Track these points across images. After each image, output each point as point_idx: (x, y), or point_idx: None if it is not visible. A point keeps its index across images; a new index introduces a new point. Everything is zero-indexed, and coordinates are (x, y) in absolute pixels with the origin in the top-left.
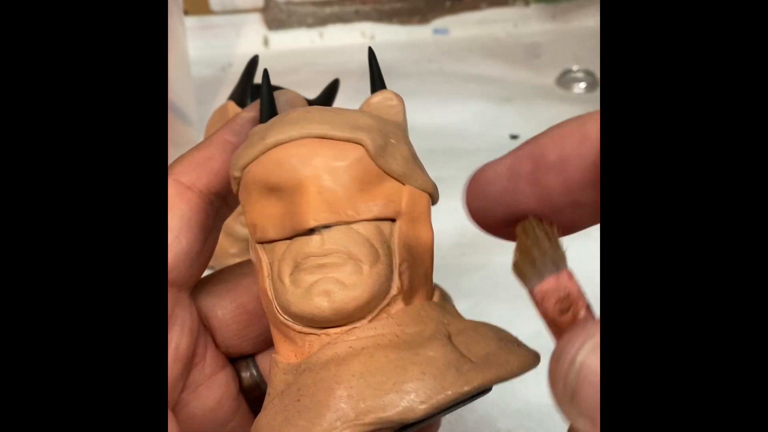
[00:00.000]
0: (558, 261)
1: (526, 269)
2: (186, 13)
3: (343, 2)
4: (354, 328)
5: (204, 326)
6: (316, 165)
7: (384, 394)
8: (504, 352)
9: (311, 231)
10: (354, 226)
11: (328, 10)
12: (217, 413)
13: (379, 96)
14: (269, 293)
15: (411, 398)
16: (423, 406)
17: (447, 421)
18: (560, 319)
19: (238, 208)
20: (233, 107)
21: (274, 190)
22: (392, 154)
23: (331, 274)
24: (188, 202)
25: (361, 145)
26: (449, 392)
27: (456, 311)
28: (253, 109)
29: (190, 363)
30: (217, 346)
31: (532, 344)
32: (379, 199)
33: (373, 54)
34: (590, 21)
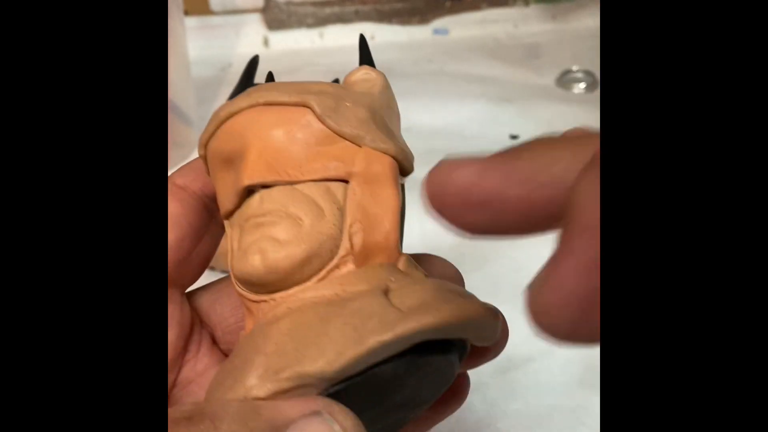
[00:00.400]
0: None
1: None
2: (186, 13)
3: (343, 2)
4: (304, 288)
5: (203, 323)
6: (260, 128)
7: (304, 348)
8: (438, 302)
9: (252, 193)
10: (298, 186)
11: (328, 10)
12: None
13: (358, 72)
14: (229, 261)
15: (329, 352)
16: (339, 360)
17: (447, 421)
18: None
19: None
20: None
21: (227, 161)
22: (344, 116)
23: (267, 232)
24: (180, 201)
25: (308, 107)
26: (368, 343)
27: (418, 275)
28: None
29: (179, 358)
30: (216, 342)
31: (533, 344)
32: (327, 160)
33: (364, 39)
34: (590, 21)
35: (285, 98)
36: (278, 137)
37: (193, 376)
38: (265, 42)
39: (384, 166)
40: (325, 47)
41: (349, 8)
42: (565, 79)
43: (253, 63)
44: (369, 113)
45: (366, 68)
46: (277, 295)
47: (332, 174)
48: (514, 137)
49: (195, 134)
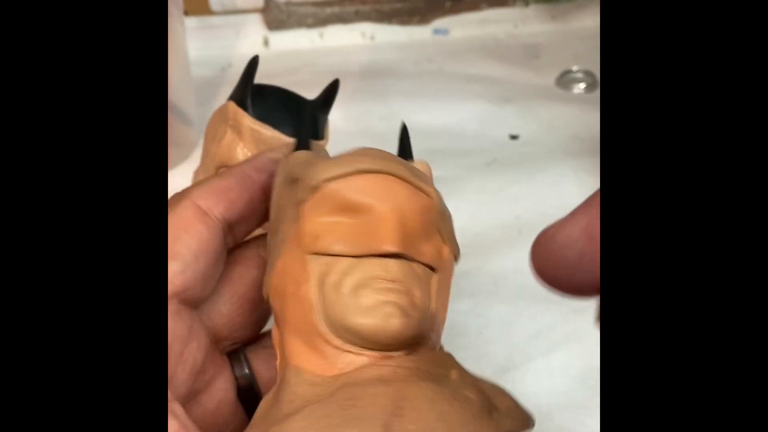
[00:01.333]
0: None
1: None
2: (186, 13)
3: (343, 3)
4: (390, 356)
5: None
6: (399, 200)
7: (430, 422)
8: (520, 410)
9: (382, 256)
10: (414, 265)
11: (328, 10)
12: (216, 418)
13: (419, 165)
14: (314, 303)
15: (445, 429)
16: None
17: None
18: None
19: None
20: (233, 107)
21: (350, 209)
22: (446, 219)
23: (398, 300)
24: (206, 225)
25: (430, 198)
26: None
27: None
28: (279, 151)
29: (200, 375)
30: (217, 338)
31: (533, 344)
32: (431, 249)
33: (406, 130)
34: (590, 21)
35: (415, 181)
36: (411, 216)
37: (202, 386)
38: (265, 42)
39: (452, 269)
40: (325, 47)
41: (349, 8)
42: (565, 80)
43: (254, 63)
44: (452, 223)
45: (424, 164)
46: (368, 353)
47: (433, 263)
48: (514, 137)
49: (195, 134)
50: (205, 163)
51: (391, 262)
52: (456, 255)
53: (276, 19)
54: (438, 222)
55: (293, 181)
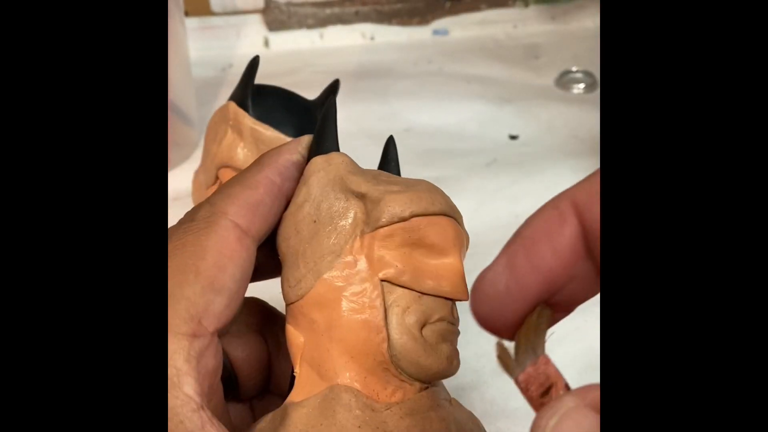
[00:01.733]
0: (537, 348)
1: (507, 360)
2: (187, 14)
3: (343, 3)
4: (429, 387)
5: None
6: (461, 246)
7: None
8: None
9: (447, 298)
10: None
11: (328, 11)
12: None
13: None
14: (381, 330)
15: None
16: None
17: None
18: (543, 401)
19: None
20: (234, 108)
21: (423, 246)
22: None
23: (455, 344)
24: (247, 251)
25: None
26: None
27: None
28: (295, 151)
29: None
30: None
31: None
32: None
33: (391, 143)
34: (589, 22)
35: (464, 227)
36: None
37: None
38: (266, 43)
39: None
40: (325, 48)
41: (350, 9)
42: (564, 80)
43: (254, 64)
44: None
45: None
46: (416, 383)
47: None
48: (513, 137)
49: (195, 134)
50: (206, 163)
51: (452, 305)
52: None
53: (276, 19)
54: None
55: (356, 195)
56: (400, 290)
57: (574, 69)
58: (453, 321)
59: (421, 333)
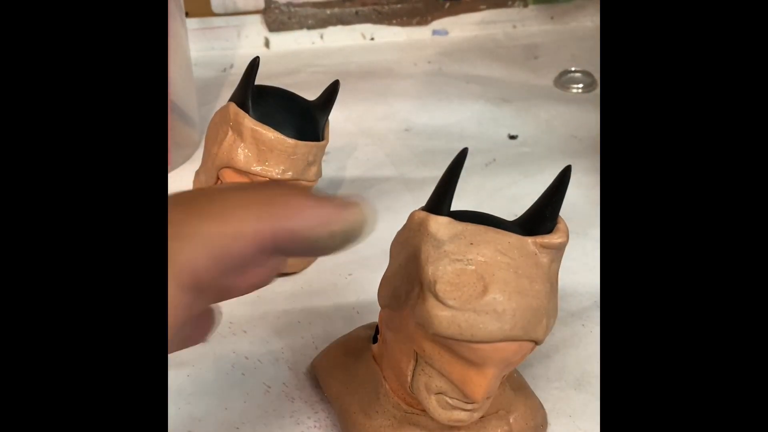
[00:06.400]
0: None
1: None
2: (187, 14)
3: (343, 4)
4: None
5: None
6: (503, 361)
7: None
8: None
9: None
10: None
11: (328, 11)
12: None
13: (554, 240)
14: (408, 379)
15: None
16: None
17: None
18: None
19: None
20: (234, 108)
21: (459, 356)
22: (546, 334)
23: (471, 414)
24: (181, 303)
25: (536, 343)
26: None
27: (514, 382)
28: (312, 229)
29: None
30: None
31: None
32: (519, 359)
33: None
34: (588, 22)
35: (528, 337)
36: (509, 366)
37: None
38: (266, 43)
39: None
40: (325, 48)
41: (350, 9)
42: (563, 80)
43: (255, 64)
44: (555, 310)
45: (564, 236)
46: None
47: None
48: (512, 137)
49: (196, 135)
50: (206, 164)
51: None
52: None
53: (277, 20)
54: (537, 345)
55: (419, 285)
56: (428, 367)
57: (573, 69)
58: (466, 403)
59: (438, 401)
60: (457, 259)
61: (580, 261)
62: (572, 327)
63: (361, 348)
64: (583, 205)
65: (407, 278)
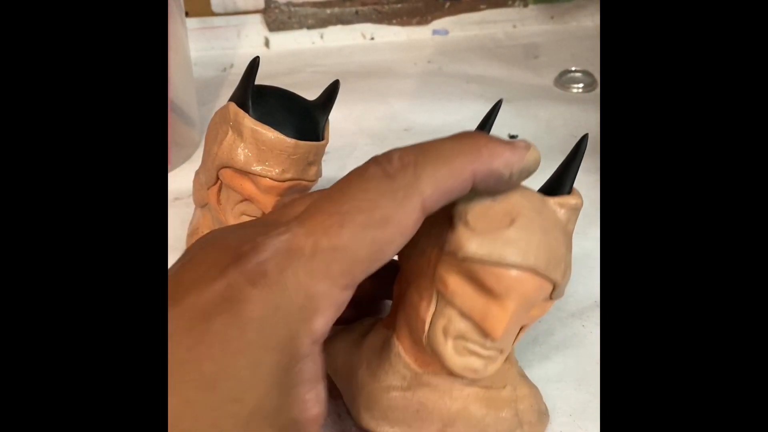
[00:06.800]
0: None
1: None
2: (187, 14)
3: (343, 3)
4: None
5: None
6: (524, 296)
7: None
8: (538, 422)
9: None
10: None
11: (328, 11)
12: None
13: (570, 201)
14: (425, 326)
15: None
16: None
17: None
18: None
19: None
20: (234, 108)
21: (480, 285)
22: (563, 286)
23: (484, 361)
24: (415, 227)
25: (555, 285)
26: None
27: (517, 366)
28: (509, 167)
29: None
30: None
31: (531, 350)
32: (535, 313)
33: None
34: (588, 22)
35: (549, 274)
36: (528, 304)
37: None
38: (266, 43)
39: (545, 311)
40: (325, 48)
41: (350, 9)
42: (563, 79)
43: (255, 64)
44: (571, 268)
45: (578, 198)
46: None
47: (531, 323)
48: (513, 137)
49: (196, 135)
50: (206, 164)
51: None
52: (560, 297)
53: (277, 19)
54: (553, 296)
55: (448, 216)
56: (448, 307)
57: (573, 68)
58: (485, 345)
59: (454, 346)
60: (485, 198)
61: (580, 261)
62: (572, 327)
63: (368, 325)
64: (583, 205)
65: (437, 221)
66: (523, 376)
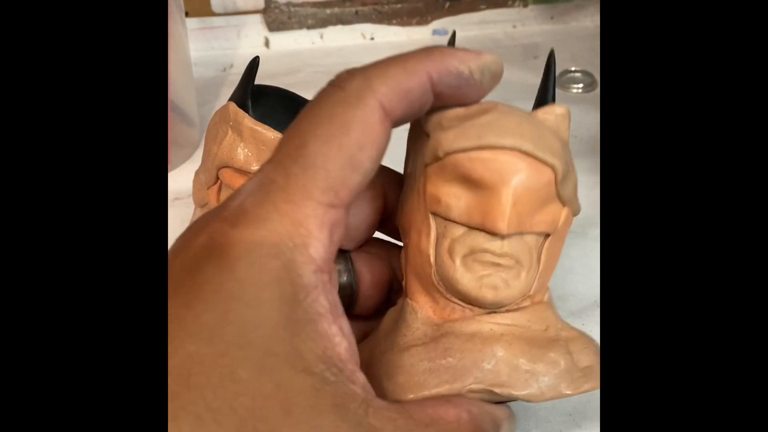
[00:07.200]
0: None
1: None
2: (187, 14)
3: (343, 4)
4: (493, 312)
5: None
6: (519, 179)
7: (517, 377)
8: (598, 370)
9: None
10: (525, 237)
11: (328, 11)
12: None
13: (554, 108)
14: (431, 259)
15: (536, 387)
16: (543, 396)
17: None
18: None
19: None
20: (234, 108)
21: (470, 182)
22: (568, 182)
23: (501, 273)
24: (386, 132)
25: (554, 171)
26: (563, 392)
27: (558, 315)
28: (465, 64)
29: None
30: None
31: None
32: (547, 216)
33: (552, 58)
34: (588, 22)
35: (540, 155)
36: (530, 194)
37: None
38: (266, 43)
39: (569, 226)
40: (325, 48)
41: (350, 9)
42: (563, 80)
43: (254, 64)
44: (576, 179)
45: (564, 109)
46: (476, 310)
47: (547, 230)
48: None
49: (196, 134)
50: (206, 164)
51: (503, 241)
52: (575, 212)
53: (277, 19)
54: (558, 189)
55: (425, 134)
56: (450, 224)
57: (573, 69)
58: (501, 253)
59: (465, 267)
60: (458, 108)
61: (580, 261)
62: (573, 325)
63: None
64: (583, 205)
65: (415, 153)
66: (568, 324)
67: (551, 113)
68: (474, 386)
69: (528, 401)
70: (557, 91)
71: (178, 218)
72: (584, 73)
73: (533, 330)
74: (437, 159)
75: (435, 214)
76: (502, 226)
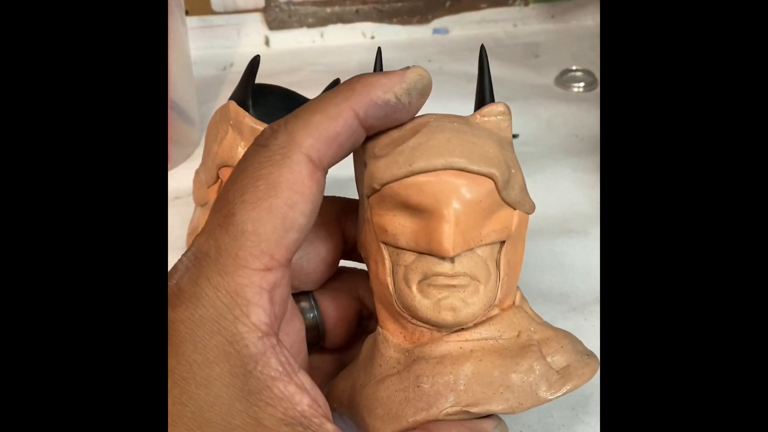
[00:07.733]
0: None
1: None
2: (187, 13)
3: (343, 2)
4: (460, 330)
5: None
6: (456, 198)
7: (492, 393)
8: (580, 365)
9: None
10: (477, 250)
11: (328, 10)
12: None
13: (494, 108)
14: (390, 288)
15: (513, 400)
16: (522, 407)
17: None
18: None
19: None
20: (234, 107)
21: (410, 208)
22: (512, 185)
23: (458, 294)
24: (318, 184)
25: (493, 179)
26: (543, 398)
27: (533, 312)
28: (390, 91)
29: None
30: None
31: None
32: (497, 225)
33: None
34: (589, 21)
35: (475, 168)
36: (471, 209)
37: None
38: (266, 42)
39: (525, 226)
40: (325, 47)
41: (350, 8)
42: (564, 78)
43: (255, 63)
44: (521, 176)
45: (501, 106)
46: (444, 330)
47: (500, 238)
48: (513, 136)
49: (197, 133)
50: (206, 162)
51: (453, 261)
52: (528, 211)
53: (277, 18)
54: (502, 195)
55: (363, 163)
56: (398, 251)
57: (573, 68)
58: (453, 273)
59: (421, 294)
60: (392, 130)
61: (581, 260)
62: (574, 321)
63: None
64: (583, 205)
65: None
66: (543, 323)
67: (491, 113)
68: (450, 409)
69: (509, 414)
70: (558, 90)
71: (178, 217)
72: (585, 72)
73: (504, 339)
74: (375, 190)
75: (386, 243)
76: (447, 248)
